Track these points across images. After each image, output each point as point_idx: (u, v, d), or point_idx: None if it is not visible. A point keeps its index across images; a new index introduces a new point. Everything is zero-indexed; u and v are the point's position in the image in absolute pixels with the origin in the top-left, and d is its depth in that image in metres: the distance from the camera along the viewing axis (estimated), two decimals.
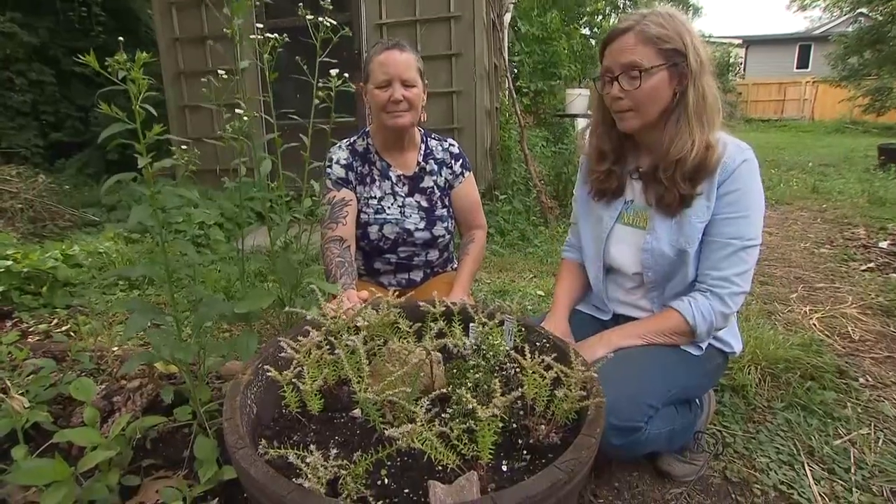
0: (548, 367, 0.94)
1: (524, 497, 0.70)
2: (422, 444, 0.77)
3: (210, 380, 1.60)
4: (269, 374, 0.93)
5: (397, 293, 1.24)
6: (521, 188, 4.40)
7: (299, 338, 1.05)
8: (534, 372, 0.93)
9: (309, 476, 0.72)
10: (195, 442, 1.18)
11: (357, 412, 1.07)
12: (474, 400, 0.78)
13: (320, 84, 1.32)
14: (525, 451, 0.92)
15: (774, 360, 1.89)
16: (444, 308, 1.22)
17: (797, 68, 21.43)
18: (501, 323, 1.19)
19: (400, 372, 0.90)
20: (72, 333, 2.26)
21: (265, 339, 1.55)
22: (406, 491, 0.84)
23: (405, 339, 1.16)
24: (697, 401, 1.44)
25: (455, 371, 1.11)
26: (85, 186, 5.68)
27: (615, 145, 1.36)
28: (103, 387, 1.55)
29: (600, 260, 1.43)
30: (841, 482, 1.40)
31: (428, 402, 0.81)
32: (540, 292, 2.82)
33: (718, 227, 1.23)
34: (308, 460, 0.76)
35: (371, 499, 0.79)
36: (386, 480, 0.86)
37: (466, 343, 1.18)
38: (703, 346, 1.30)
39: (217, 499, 1.07)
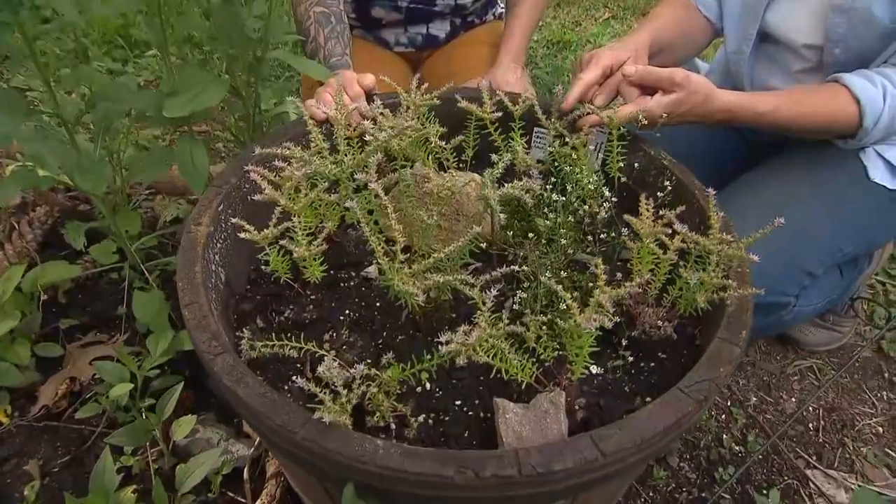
0: (670, 227, 0.89)
1: (638, 440, 0.72)
2: (490, 357, 0.77)
3: (136, 199, 1.57)
4: (241, 235, 0.89)
5: (418, 78, 1.13)
6: None
7: (277, 162, 0.97)
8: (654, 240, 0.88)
9: (328, 404, 0.73)
10: (133, 299, 1.21)
11: (371, 270, 1.06)
12: (569, 296, 0.75)
13: None
14: (625, 345, 0.93)
15: None
16: (495, 105, 1.13)
17: None
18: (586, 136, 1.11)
19: (434, 218, 0.85)
20: None
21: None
22: (458, 403, 0.87)
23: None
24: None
25: (517, 214, 1.07)
26: None
27: None
28: None
29: (756, 21, 1.28)
30: None
31: (496, 291, 0.78)
32: None
33: None
34: (322, 369, 0.77)
35: (412, 420, 0.82)
36: (428, 386, 0.88)
37: (532, 168, 1.12)
38: None
39: (182, 382, 1.13)
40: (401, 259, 0.81)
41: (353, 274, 1.06)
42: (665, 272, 0.89)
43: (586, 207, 1.04)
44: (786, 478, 1.30)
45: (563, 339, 0.83)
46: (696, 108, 1.08)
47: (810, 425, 1.40)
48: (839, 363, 1.50)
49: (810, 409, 1.42)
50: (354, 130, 1.06)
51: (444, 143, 1.07)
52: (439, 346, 0.74)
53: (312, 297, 1.02)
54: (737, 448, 1.34)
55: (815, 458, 1.34)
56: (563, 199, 1.02)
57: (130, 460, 1.11)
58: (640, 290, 0.88)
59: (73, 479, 1.13)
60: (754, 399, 1.44)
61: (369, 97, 1.19)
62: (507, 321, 0.78)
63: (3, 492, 1.10)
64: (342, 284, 1.04)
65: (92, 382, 1.21)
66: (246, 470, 1.17)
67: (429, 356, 0.80)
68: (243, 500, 1.14)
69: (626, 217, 0.88)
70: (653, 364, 0.91)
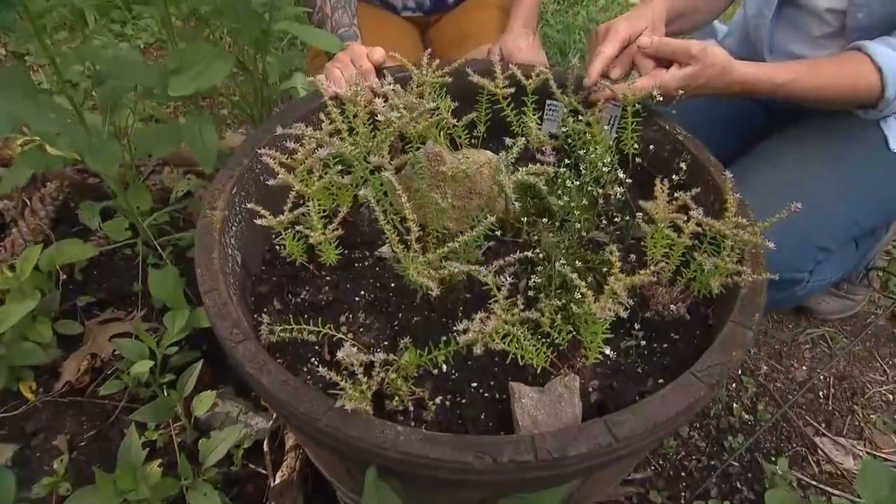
0: (685, 211, 0.91)
1: (650, 425, 0.75)
2: (506, 344, 0.80)
3: (144, 171, 1.59)
4: (257, 222, 0.91)
5: (429, 53, 1.13)
6: None
7: (288, 143, 0.99)
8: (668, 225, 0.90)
9: (348, 391, 0.76)
10: (149, 277, 1.24)
11: (385, 250, 1.09)
12: (584, 284, 0.77)
13: None
14: (638, 326, 0.96)
15: None
16: (508, 79, 1.13)
17: None
18: (600, 110, 1.11)
19: (448, 200, 0.86)
20: None
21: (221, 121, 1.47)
22: (473, 385, 0.91)
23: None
24: None
25: (531, 191, 1.09)
26: None
27: None
28: None
29: None
30: None
31: (511, 276, 0.81)
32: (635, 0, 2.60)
33: None
34: (341, 355, 0.80)
35: (430, 403, 0.86)
36: (444, 368, 0.92)
37: (546, 145, 1.13)
38: None
39: (201, 360, 1.17)
40: (415, 248, 0.83)
41: (367, 254, 1.08)
42: (679, 255, 0.91)
43: (600, 189, 1.05)
44: (794, 445, 1.34)
45: (577, 322, 0.86)
46: (713, 80, 1.08)
47: (820, 393, 1.43)
48: (851, 331, 1.53)
49: (821, 377, 1.46)
50: (365, 108, 1.07)
51: (455, 119, 1.08)
52: (455, 332, 0.77)
53: (328, 278, 1.04)
54: (746, 416, 1.38)
55: (823, 425, 1.38)
56: (578, 182, 1.03)
57: (154, 435, 1.16)
58: (655, 277, 0.90)
59: (100, 453, 1.18)
60: (765, 368, 1.47)
61: (379, 72, 1.19)
62: (521, 306, 0.81)
63: (33, 465, 1.15)
64: (356, 265, 1.06)
65: (112, 358, 1.26)
66: (266, 443, 1.21)
67: (444, 339, 0.83)
68: (265, 472, 1.19)
69: (641, 203, 0.90)
70: (665, 345, 0.94)
